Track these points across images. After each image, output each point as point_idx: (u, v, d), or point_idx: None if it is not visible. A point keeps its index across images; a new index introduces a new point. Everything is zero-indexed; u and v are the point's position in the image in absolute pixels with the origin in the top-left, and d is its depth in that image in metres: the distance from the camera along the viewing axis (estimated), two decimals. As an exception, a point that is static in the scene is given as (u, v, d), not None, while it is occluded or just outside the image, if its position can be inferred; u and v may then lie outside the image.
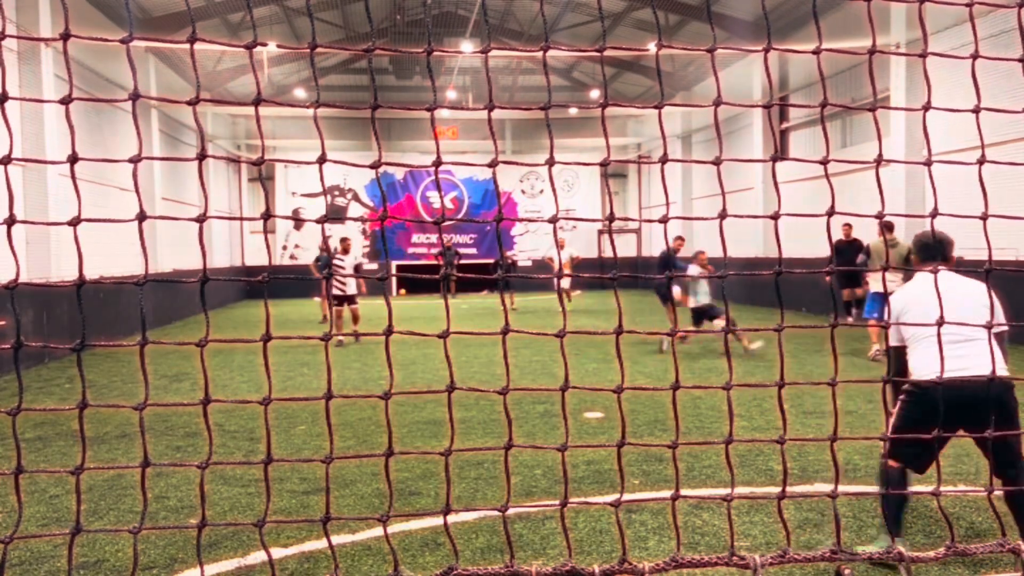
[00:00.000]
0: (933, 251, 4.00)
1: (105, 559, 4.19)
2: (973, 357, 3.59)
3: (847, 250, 13.76)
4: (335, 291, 13.00)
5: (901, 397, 3.83)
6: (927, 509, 4.66)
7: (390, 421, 2.30)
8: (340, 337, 12.52)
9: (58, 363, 12.05)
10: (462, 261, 27.15)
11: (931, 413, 3.55)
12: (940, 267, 3.81)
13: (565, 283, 19.45)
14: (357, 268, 14.07)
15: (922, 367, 3.71)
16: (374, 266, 28.92)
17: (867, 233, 14.73)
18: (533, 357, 11.37)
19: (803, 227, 17.01)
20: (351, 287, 13.11)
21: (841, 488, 4.83)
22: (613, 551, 4.14)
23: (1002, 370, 3.63)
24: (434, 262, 28.61)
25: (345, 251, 13.39)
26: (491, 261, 28.20)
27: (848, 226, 13.99)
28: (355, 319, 13.23)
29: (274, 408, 7.49)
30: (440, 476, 5.49)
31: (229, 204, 27.00)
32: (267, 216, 2.14)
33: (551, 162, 2.29)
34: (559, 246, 20.48)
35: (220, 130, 25.76)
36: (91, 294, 13.55)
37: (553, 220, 2.29)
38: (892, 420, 3.81)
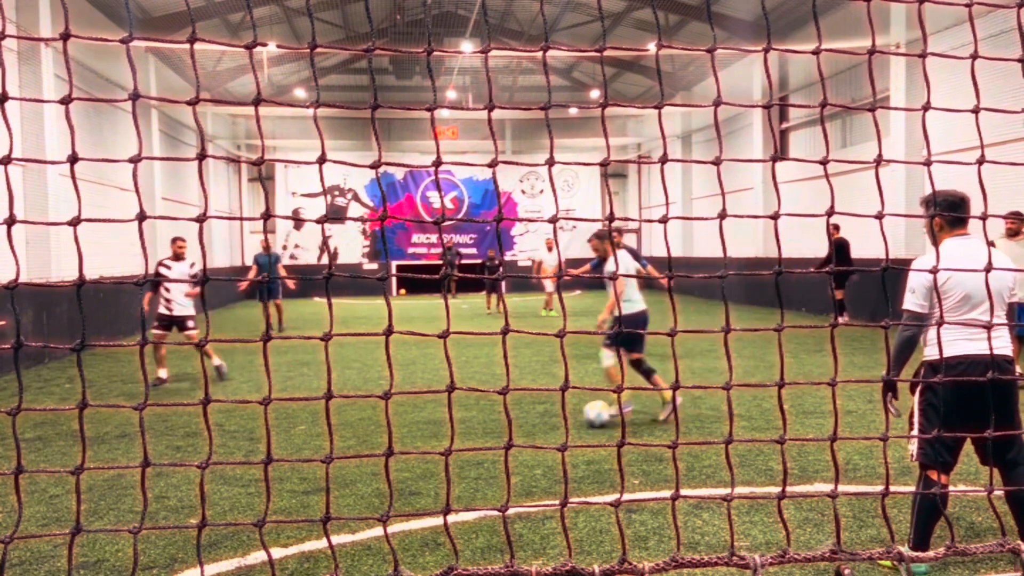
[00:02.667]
0: (962, 212, 3.67)
1: (105, 559, 4.19)
2: (995, 339, 3.53)
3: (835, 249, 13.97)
4: (161, 309, 9.70)
5: (917, 399, 3.78)
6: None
7: (390, 421, 2.31)
8: (161, 373, 9.74)
9: (58, 363, 12.05)
10: (463, 261, 27.15)
11: (952, 402, 3.56)
12: (965, 233, 3.75)
13: (550, 286, 19.04)
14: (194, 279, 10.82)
15: (946, 345, 3.60)
16: (375, 267, 28.91)
17: (863, 234, 14.76)
18: (533, 357, 11.37)
19: (803, 227, 17.06)
20: (182, 306, 9.74)
21: (841, 488, 4.83)
22: (613, 551, 4.14)
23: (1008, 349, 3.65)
24: (434, 262, 28.60)
25: (177, 257, 9.93)
26: (479, 262, 28.03)
27: (835, 227, 14.08)
28: (203, 351, 10.39)
29: (274, 408, 7.49)
30: (440, 476, 5.49)
31: (229, 204, 26.99)
32: (267, 216, 2.14)
33: (551, 162, 2.29)
34: (547, 248, 19.73)
35: (220, 130, 25.75)
36: (91, 294, 13.54)
37: (553, 220, 2.29)
38: (916, 427, 3.76)
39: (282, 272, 16.05)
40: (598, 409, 7.06)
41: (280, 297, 15.75)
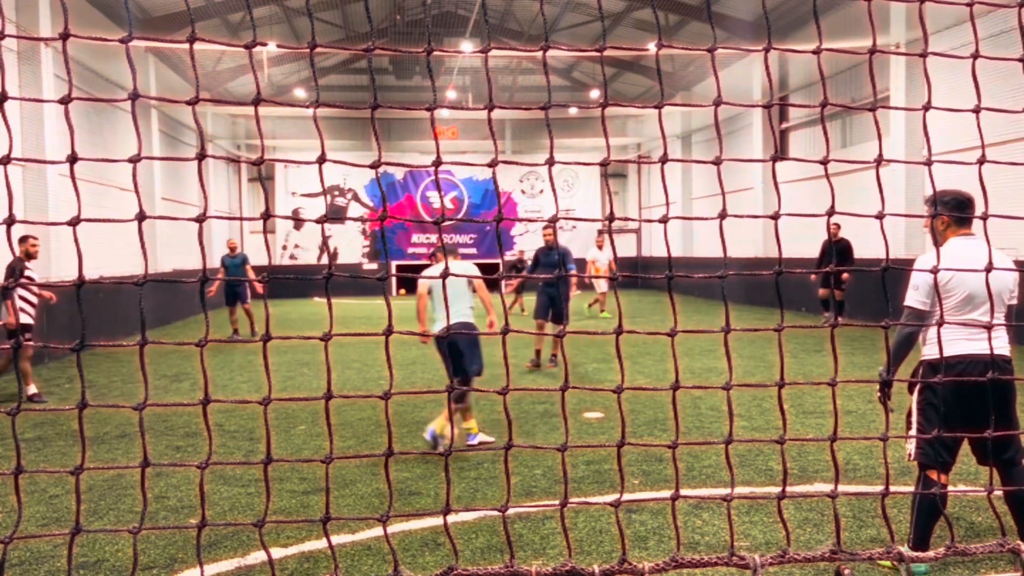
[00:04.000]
0: (968, 211, 3.66)
1: (105, 559, 4.19)
2: (994, 340, 3.53)
3: (832, 250, 13.53)
4: (23, 317, 8.42)
5: (916, 398, 3.78)
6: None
7: (390, 421, 2.30)
8: (32, 388, 8.70)
9: (58, 363, 12.05)
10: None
11: (952, 402, 3.56)
12: (970, 233, 3.76)
13: (604, 286, 17.54)
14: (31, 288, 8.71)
15: (946, 344, 3.60)
16: (375, 267, 28.89)
17: (863, 234, 14.75)
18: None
19: (803, 227, 17.05)
20: (29, 314, 8.60)
21: (841, 488, 4.83)
22: (613, 551, 4.14)
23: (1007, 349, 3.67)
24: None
25: (30, 256, 8.58)
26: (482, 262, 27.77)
27: (836, 225, 13.61)
28: (26, 377, 8.72)
29: (274, 408, 7.48)
30: (440, 476, 5.49)
31: (229, 204, 26.99)
32: (267, 216, 2.14)
33: (551, 162, 2.29)
34: (598, 246, 17.87)
35: (220, 130, 25.75)
36: (91, 294, 13.55)
37: (553, 220, 2.29)
38: (915, 427, 3.75)
39: (250, 274, 15.11)
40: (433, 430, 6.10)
41: (248, 301, 14.94)
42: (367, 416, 7.55)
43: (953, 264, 3.47)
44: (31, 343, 8.05)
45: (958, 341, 3.61)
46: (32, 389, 8.92)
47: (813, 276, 14.45)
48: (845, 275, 13.86)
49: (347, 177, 28.80)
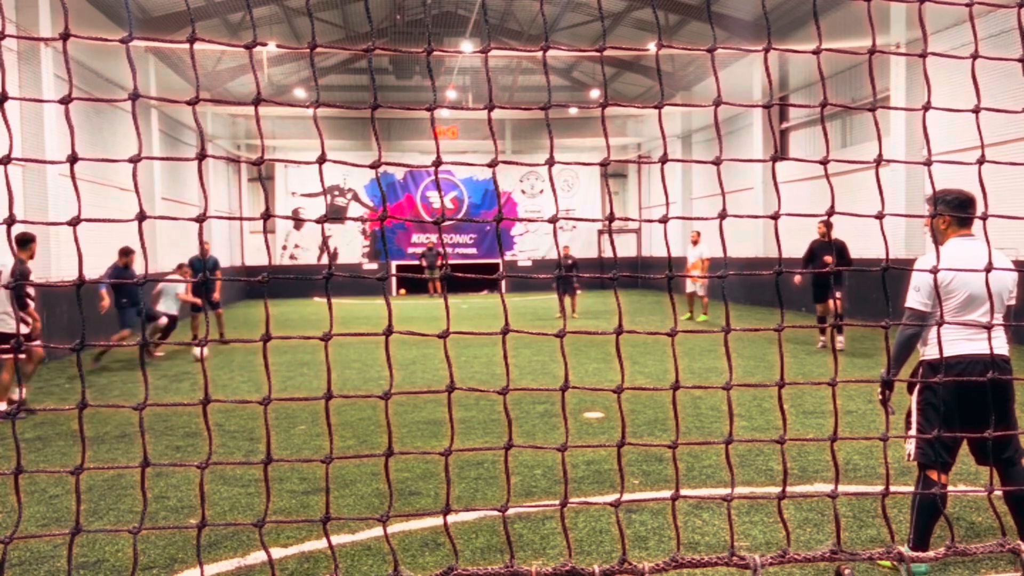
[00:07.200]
0: (970, 211, 3.67)
1: (105, 559, 4.19)
2: (993, 340, 3.53)
3: (822, 252, 11.37)
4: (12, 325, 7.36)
5: (916, 398, 3.78)
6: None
7: (390, 421, 2.30)
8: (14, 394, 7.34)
9: (58, 363, 12.05)
10: (458, 261, 27.16)
11: (952, 402, 3.57)
12: (970, 233, 3.75)
13: (699, 288, 16.44)
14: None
15: (946, 345, 3.61)
16: (375, 267, 28.90)
17: (863, 234, 14.75)
18: (533, 357, 11.37)
19: (802, 227, 17.04)
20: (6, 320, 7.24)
21: (841, 488, 4.83)
22: (613, 551, 4.14)
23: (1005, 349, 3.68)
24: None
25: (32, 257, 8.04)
26: (482, 262, 27.81)
27: (828, 225, 11.28)
28: (31, 373, 8.22)
29: (274, 408, 7.48)
30: (440, 476, 5.49)
31: (229, 204, 26.98)
32: (267, 216, 2.14)
33: (551, 162, 2.29)
34: (692, 242, 16.45)
35: (220, 130, 25.75)
36: (91, 294, 13.55)
37: (553, 220, 2.29)
38: (915, 427, 3.75)
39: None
40: None
41: (221, 306, 13.97)
42: (367, 416, 7.55)
43: (954, 265, 3.47)
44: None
45: (958, 341, 3.62)
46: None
47: (797, 278, 13.08)
48: (838, 294, 12.37)
49: (347, 177, 28.80)
